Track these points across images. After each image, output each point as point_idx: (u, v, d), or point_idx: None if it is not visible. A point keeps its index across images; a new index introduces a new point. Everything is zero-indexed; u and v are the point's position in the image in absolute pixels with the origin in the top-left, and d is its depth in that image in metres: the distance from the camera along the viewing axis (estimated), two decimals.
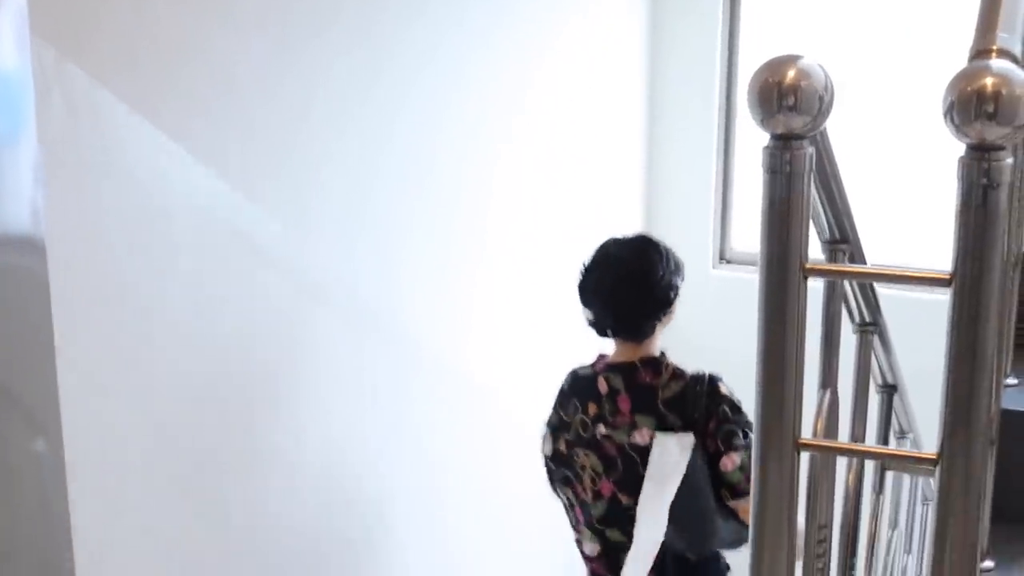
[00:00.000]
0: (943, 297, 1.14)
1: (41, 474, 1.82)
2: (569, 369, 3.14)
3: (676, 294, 2.95)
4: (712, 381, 2.90)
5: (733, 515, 2.87)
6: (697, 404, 2.87)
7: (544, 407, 3.84)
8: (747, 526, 2.51)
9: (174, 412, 2.21)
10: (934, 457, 1.16)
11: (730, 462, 2.85)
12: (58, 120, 1.85)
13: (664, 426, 2.90)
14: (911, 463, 2.14)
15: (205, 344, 2.28)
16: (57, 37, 1.84)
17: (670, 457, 2.88)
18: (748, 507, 2.75)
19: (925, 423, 2.66)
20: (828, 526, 1.71)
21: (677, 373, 2.92)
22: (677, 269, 2.97)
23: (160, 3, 2.13)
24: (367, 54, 2.80)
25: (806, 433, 1.24)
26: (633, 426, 2.92)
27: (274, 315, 2.52)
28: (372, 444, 2.98)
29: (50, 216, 1.79)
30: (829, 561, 1.75)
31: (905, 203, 4.49)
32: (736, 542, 2.92)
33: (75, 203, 1.92)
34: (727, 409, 2.88)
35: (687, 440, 2.87)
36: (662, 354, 2.96)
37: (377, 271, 2.93)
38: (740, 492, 2.85)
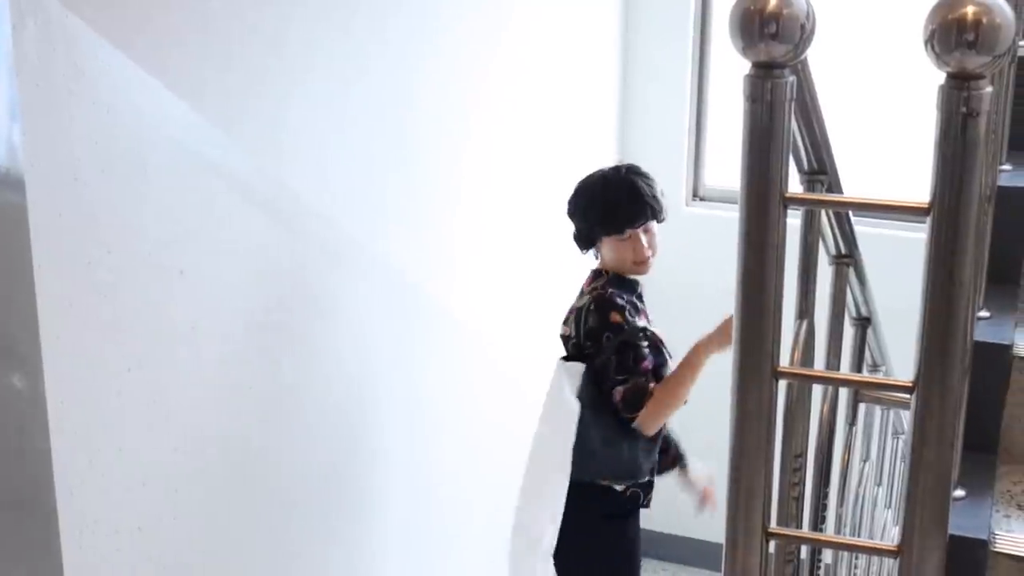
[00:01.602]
0: (919, 235, 1.15)
1: (20, 407, 1.83)
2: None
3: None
4: (606, 305, 3.08)
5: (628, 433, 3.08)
6: (586, 321, 3.11)
7: (524, 338, 3.86)
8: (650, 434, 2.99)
9: (149, 344, 2.21)
10: (910, 385, 1.17)
11: (617, 395, 3.06)
12: (32, 51, 1.83)
13: (567, 332, 3.19)
14: (887, 391, 2.17)
15: (179, 275, 2.28)
16: None
17: (562, 396, 3.10)
18: (646, 419, 3.00)
19: (897, 360, 2.69)
20: (803, 456, 1.73)
21: (593, 289, 3.13)
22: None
23: None
24: None
25: (783, 363, 1.26)
26: (565, 322, 3.21)
27: (248, 246, 2.51)
28: (346, 374, 2.99)
29: (27, 150, 1.79)
30: (803, 490, 1.77)
31: (883, 136, 4.50)
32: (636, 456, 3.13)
33: (49, 136, 1.90)
34: (610, 336, 3.08)
35: (576, 369, 3.03)
36: (605, 271, 3.07)
37: (354, 202, 2.93)
38: (627, 420, 3.06)
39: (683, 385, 3.04)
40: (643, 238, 3.10)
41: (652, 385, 3.05)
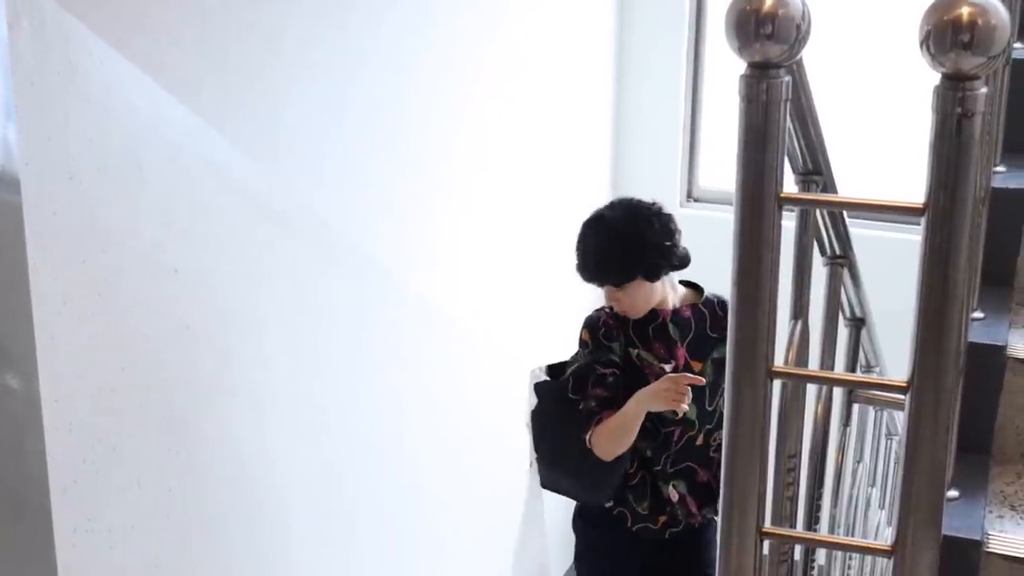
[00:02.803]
0: (913, 237, 1.16)
1: (15, 407, 1.83)
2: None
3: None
4: (585, 321, 3.14)
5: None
6: None
7: (509, 338, 3.86)
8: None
9: (144, 342, 2.21)
10: (904, 385, 1.17)
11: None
12: (27, 50, 1.83)
13: None
14: (881, 391, 2.17)
15: (174, 274, 2.28)
16: None
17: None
18: (593, 442, 3.01)
19: (891, 362, 2.69)
20: (797, 456, 1.74)
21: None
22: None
23: None
24: None
25: (778, 363, 1.26)
26: None
27: (242, 246, 2.51)
28: (338, 373, 2.99)
29: (22, 149, 1.79)
30: (797, 490, 1.77)
31: (878, 137, 4.50)
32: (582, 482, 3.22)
33: (44, 134, 1.90)
34: (578, 353, 3.16)
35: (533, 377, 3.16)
36: None
37: (345, 202, 2.93)
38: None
39: (615, 430, 3.01)
40: (608, 293, 3.01)
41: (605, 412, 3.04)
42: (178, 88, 2.23)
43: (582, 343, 3.12)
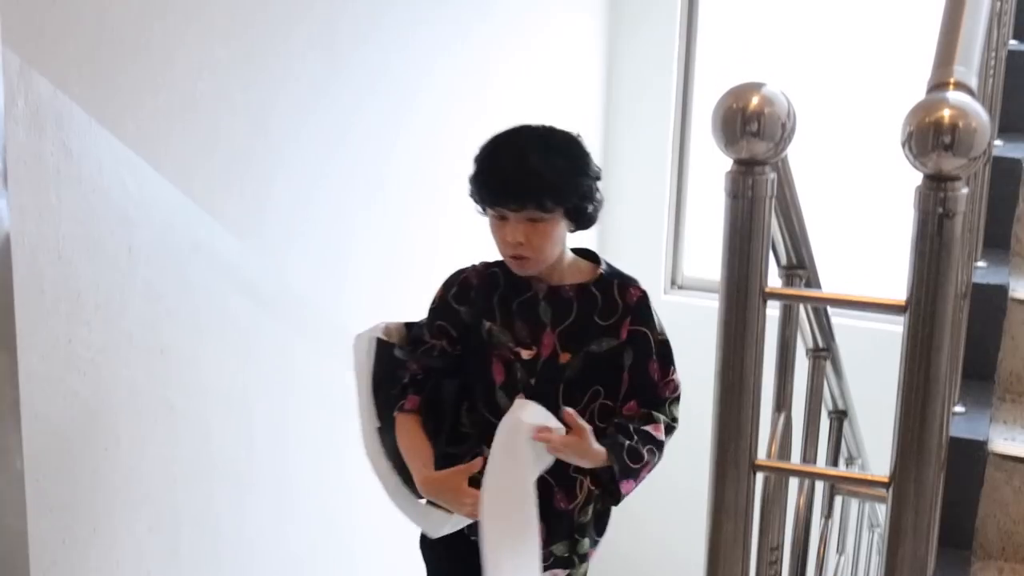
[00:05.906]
0: (895, 328, 1.17)
1: None
2: None
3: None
4: (446, 278, 2.44)
5: None
6: None
7: None
8: None
9: (128, 422, 2.20)
10: (886, 480, 1.18)
11: None
12: (21, 130, 1.85)
13: None
14: (863, 486, 2.17)
15: (160, 354, 2.28)
16: (22, 45, 1.84)
17: None
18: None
19: (873, 451, 2.70)
20: (779, 548, 1.74)
21: None
22: None
23: (123, 13, 2.14)
24: (326, 62, 2.81)
25: (760, 455, 1.27)
26: None
27: (228, 325, 2.52)
28: (321, 452, 2.98)
29: (13, 224, 1.80)
30: None
31: (860, 233, 4.54)
32: None
33: (36, 214, 1.92)
34: None
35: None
36: None
37: (331, 282, 2.94)
38: None
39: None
40: (513, 227, 2.25)
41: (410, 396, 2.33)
42: (169, 169, 2.25)
43: (432, 300, 2.41)
